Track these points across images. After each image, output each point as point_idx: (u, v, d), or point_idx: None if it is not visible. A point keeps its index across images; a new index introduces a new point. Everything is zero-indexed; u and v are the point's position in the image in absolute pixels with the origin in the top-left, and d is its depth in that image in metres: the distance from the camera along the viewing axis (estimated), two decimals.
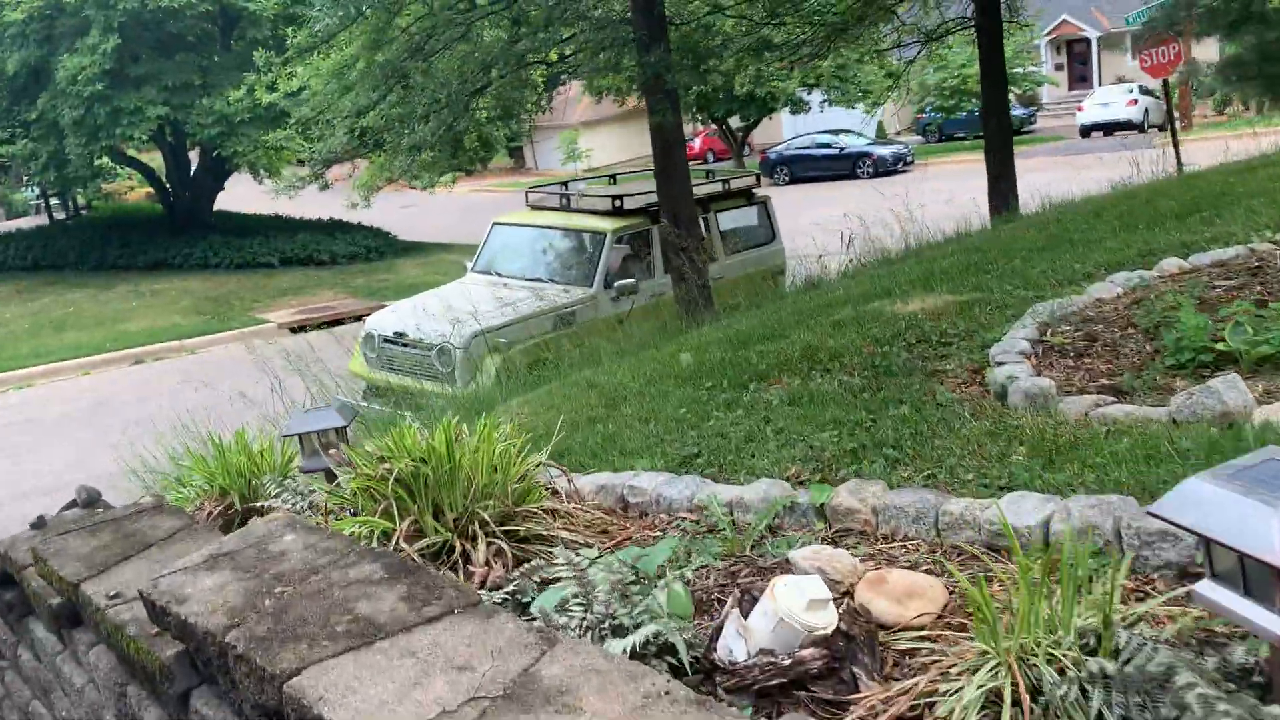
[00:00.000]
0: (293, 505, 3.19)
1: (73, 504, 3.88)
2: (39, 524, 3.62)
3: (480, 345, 8.43)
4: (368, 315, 17.98)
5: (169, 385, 13.27)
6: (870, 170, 32.07)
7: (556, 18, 8.23)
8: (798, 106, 34.33)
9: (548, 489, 3.04)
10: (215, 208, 24.66)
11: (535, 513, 2.83)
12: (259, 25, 18.73)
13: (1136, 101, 32.30)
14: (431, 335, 8.54)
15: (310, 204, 33.24)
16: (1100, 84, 43.68)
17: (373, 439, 3.97)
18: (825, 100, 34.27)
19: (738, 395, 3.88)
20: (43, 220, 26.80)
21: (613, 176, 11.37)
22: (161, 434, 8.13)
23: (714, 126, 44.60)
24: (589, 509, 3.00)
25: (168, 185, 24.18)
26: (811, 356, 4.18)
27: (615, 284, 9.21)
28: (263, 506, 3.33)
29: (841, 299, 5.20)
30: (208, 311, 17.61)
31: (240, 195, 26.02)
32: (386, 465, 2.72)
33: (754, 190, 11.06)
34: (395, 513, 2.69)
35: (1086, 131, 32.83)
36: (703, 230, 10.36)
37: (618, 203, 9.59)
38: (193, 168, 24.13)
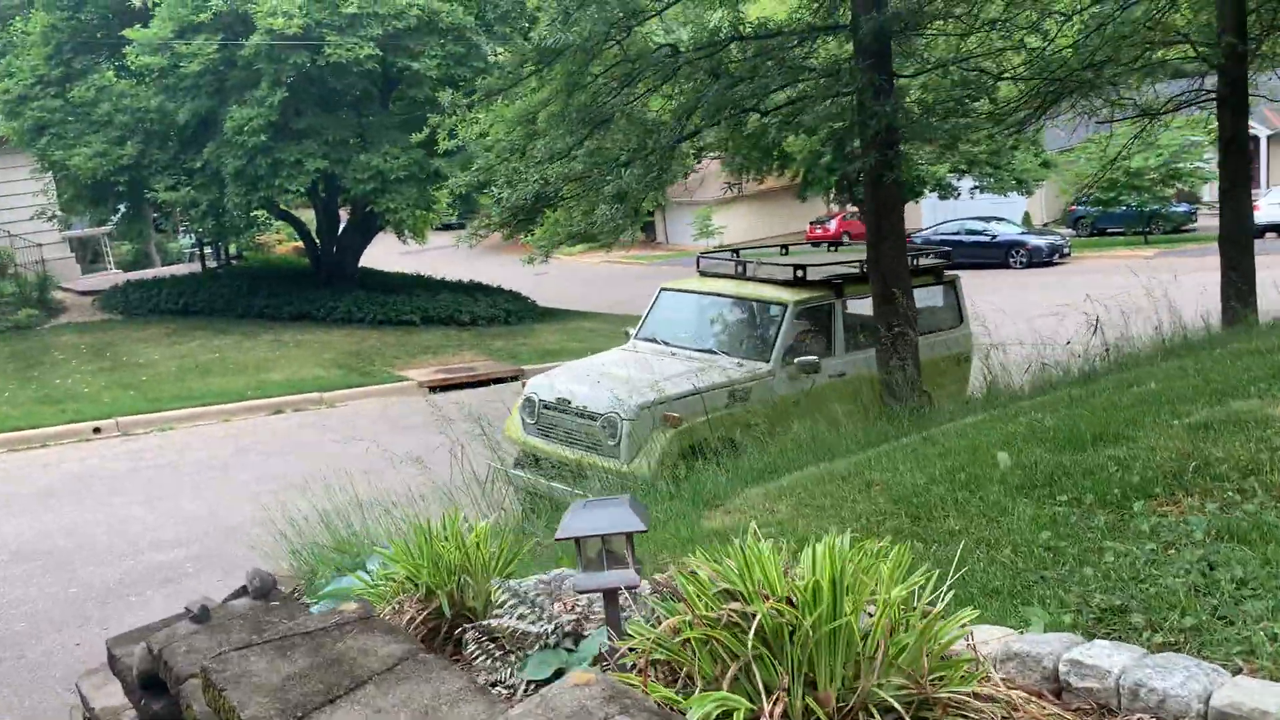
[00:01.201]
0: (532, 626, 2.42)
1: (242, 591, 3.21)
2: (202, 616, 2.96)
3: (649, 419, 7.70)
4: (509, 378, 17.70)
5: (307, 438, 12.94)
6: (1024, 260, 30.75)
7: (764, 73, 7.58)
8: (946, 191, 33.24)
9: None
10: (360, 264, 24.86)
11: (965, 700, 1.90)
12: (419, 85, 18.79)
13: None
14: (596, 404, 7.85)
15: (446, 266, 33.55)
16: (1268, 184, 41.42)
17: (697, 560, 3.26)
18: (976, 186, 33.14)
19: (1122, 518, 2.96)
20: (195, 268, 27.46)
21: (784, 247, 10.62)
22: (311, 493, 7.60)
23: (853, 209, 43.85)
24: (1017, 694, 2.06)
25: (316, 240, 24.48)
26: (1200, 470, 3.24)
27: (796, 360, 8.41)
28: (491, 624, 2.54)
29: (1165, 394, 4.22)
30: (348, 365, 17.42)
31: (377, 256, 26.23)
32: (736, 607, 1.89)
33: (943, 269, 10.17)
34: (754, 682, 1.86)
35: (1261, 232, 30.83)
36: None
37: (800, 273, 8.83)
38: (341, 225, 24.41)
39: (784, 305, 8.59)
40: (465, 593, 2.76)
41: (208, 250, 28.01)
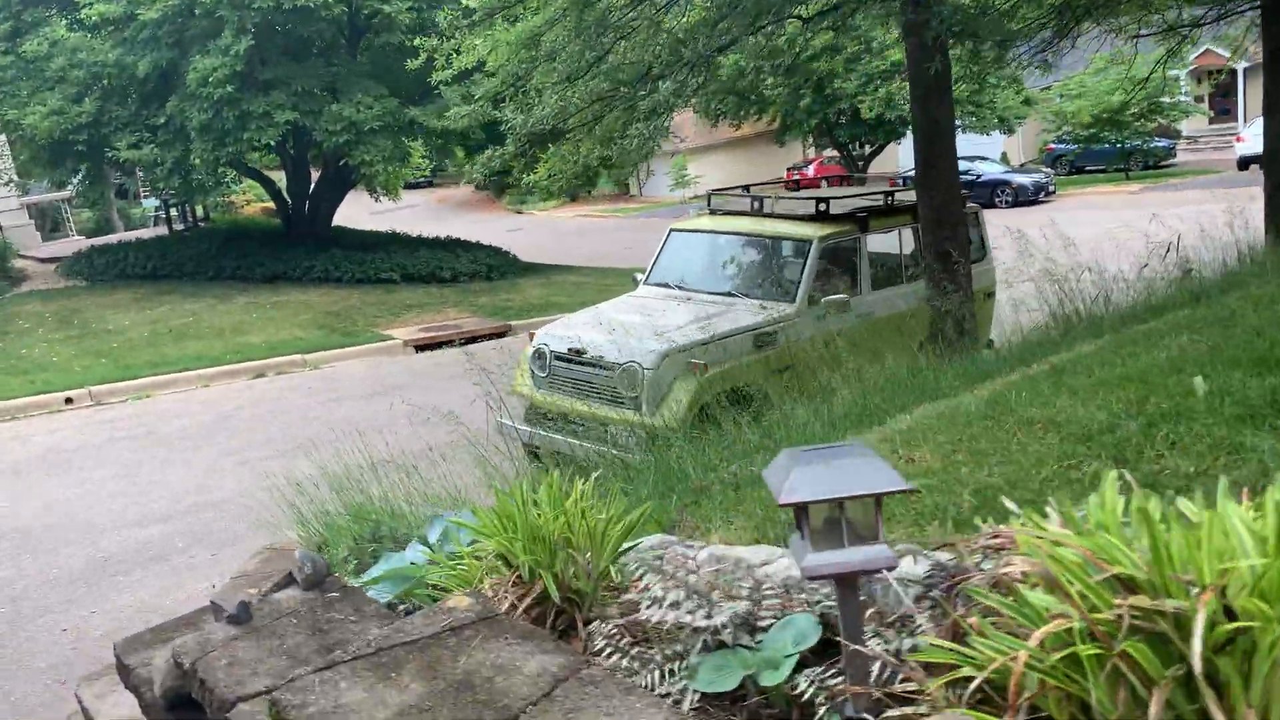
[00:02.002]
0: (700, 619, 1.87)
1: (288, 580, 2.65)
2: (241, 616, 2.38)
3: (672, 367, 7.16)
4: (497, 335, 17.10)
5: (294, 401, 12.32)
6: (1010, 199, 30.32)
7: None
8: None
9: None
10: (333, 223, 24.06)
11: None
12: (391, 31, 17.94)
13: None
14: (613, 353, 7.30)
15: (417, 224, 32.76)
16: (1244, 119, 41.13)
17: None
18: (959, 126, 32.57)
19: None
20: (161, 232, 26.52)
21: (795, 182, 10.02)
22: (307, 458, 7.03)
23: (831, 153, 43.26)
24: None
25: (287, 199, 23.63)
26: None
27: (823, 300, 7.88)
28: (640, 616, 1.96)
29: None
30: (329, 325, 16.74)
31: (348, 215, 25.37)
32: (1144, 602, 1.30)
33: (965, 199, 9.64)
34: None
35: (1245, 164, 30.51)
36: (917, 243, 8.99)
37: (823, 206, 8.28)
38: (312, 183, 23.57)
39: (808, 241, 8.04)
40: (571, 572, 2.22)
41: (174, 213, 27.05)
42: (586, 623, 2.03)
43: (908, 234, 8.92)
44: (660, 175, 47.01)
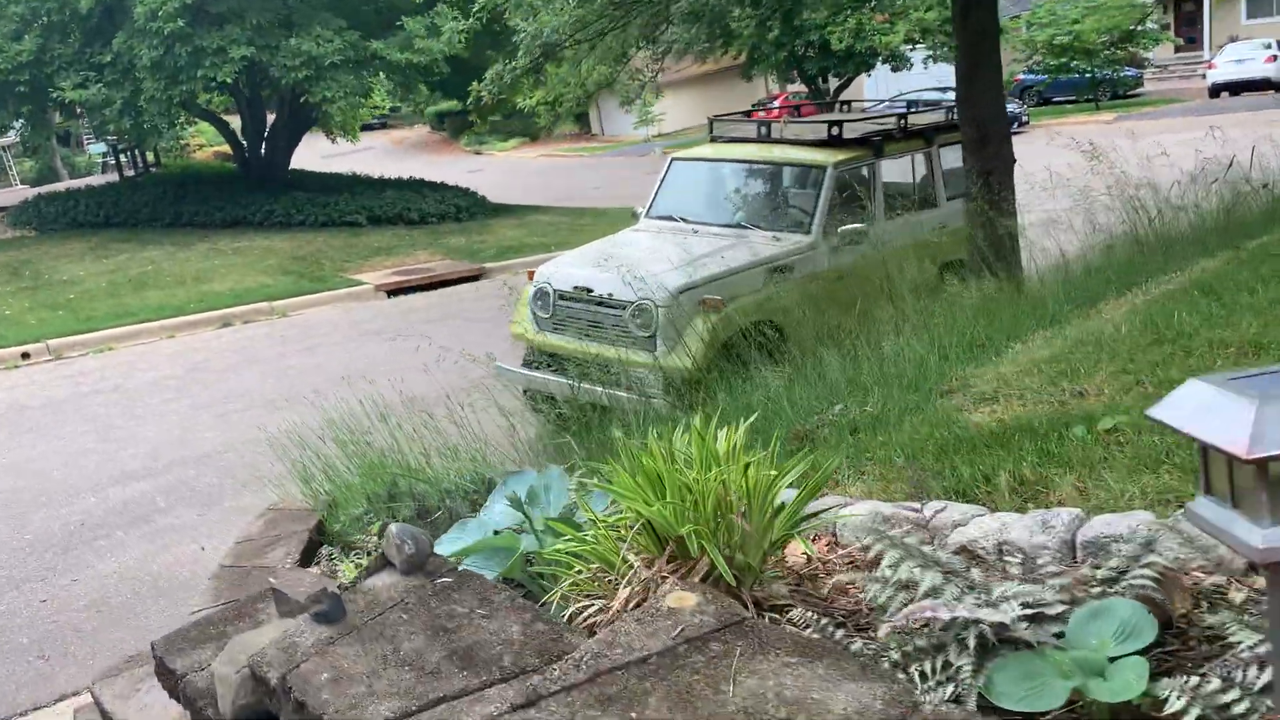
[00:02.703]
0: (995, 612, 1.43)
1: (383, 562, 2.19)
2: (333, 614, 1.92)
3: (687, 303, 6.72)
4: (471, 278, 16.53)
5: (266, 350, 11.76)
6: None
7: None
8: (899, 62, 32.09)
9: None
10: (290, 166, 23.21)
11: None
12: None
13: (1276, 59, 29.72)
14: (623, 290, 6.84)
15: (374, 167, 31.90)
16: (1209, 47, 40.98)
17: None
18: (930, 56, 32.08)
19: None
20: (111, 179, 25.47)
21: (796, 108, 9.51)
22: (288, 409, 6.56)
23: (799, 88, 42.58)
24: None
25: (243, 141, 22.72)
26: None
27: (840, 230, 7.46)
28: (906, 614, 1.48)
29: None
30: (296, 271, 16.08)
31: (302, 159, 24.46)
32: None
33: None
34: None
35: (1216, 91, 30.33)
36: (931, 168, 8.58)
37: (835, 130, 7.82)
38: (268, 125, 22.67)
39: (822, 168, 7.60)
40: (736, 543, 1.79)
41: (124, 159, 25.98)
42: (759, 605, 1.62)
43: (920, 160, 8.51)
44: (622, 113, 46.08)
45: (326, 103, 17.34)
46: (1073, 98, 36.04)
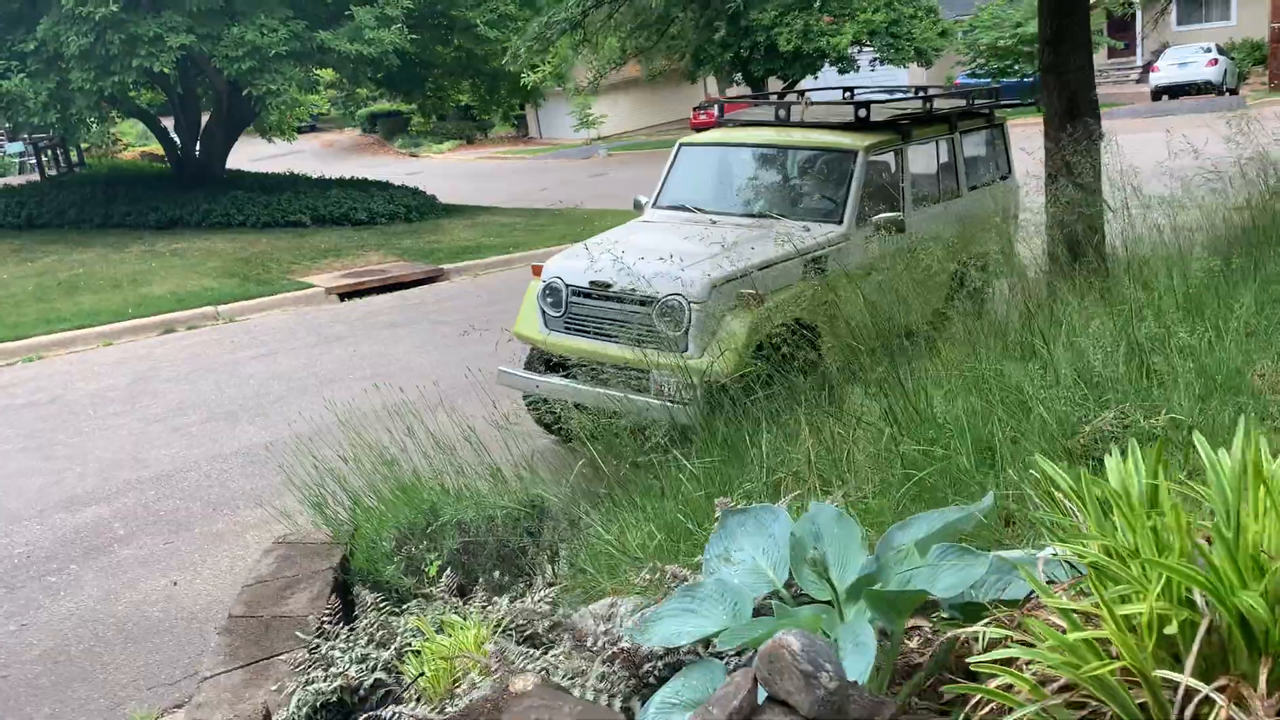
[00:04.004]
0: None
1: (752, 701, 1.47)
2: None
3: (722, 299, 6.07)
4: (428, 279, 15.68)
5: (217, 357, 10.84)
6: None
7: None
8: (846, 65, 31.87)
9: None
10: (227, 166, 22.08)
11: None
12: None
13: (1217, 62, 30.13)
14: (650, 285, 6.16)
15: (308, 169, 30.74)
16: (1141, 53, 41.65)
17: None
18: (876, 59, 31.93)
19: None
20: (32, 179, 24.02)
21: (801, 92, 8.88)
22: (251, 421, 5.79)
23: (741, 91, 42.25)
24: None
25: (175, 139, 21.54)
26: None
27: (874, 219, 6.87)
28: None
29: None
30: (240, 274, 15.07)
31: (235, 161, 23.26)
32: None
33: (994, 111, 8.75)
34: None
35: (1158, 94, 30.64)
36: (953, 156, 8.05)
37: (863, 113, 7.24)
38: (202, 123, 21.53)
39: (853, 153, 7.00)
40: None
41: (45, 157, 24.54)
42: None
43: (944, 146, 7.98)
44: (561, 116, 45.32)
45: (271, 95, 16.32)
46: (1016, 101, 36.15)
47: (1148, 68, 38.37)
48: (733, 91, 45.42)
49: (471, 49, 19.31)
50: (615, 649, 2.02)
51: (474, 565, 3.71)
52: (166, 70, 15.50)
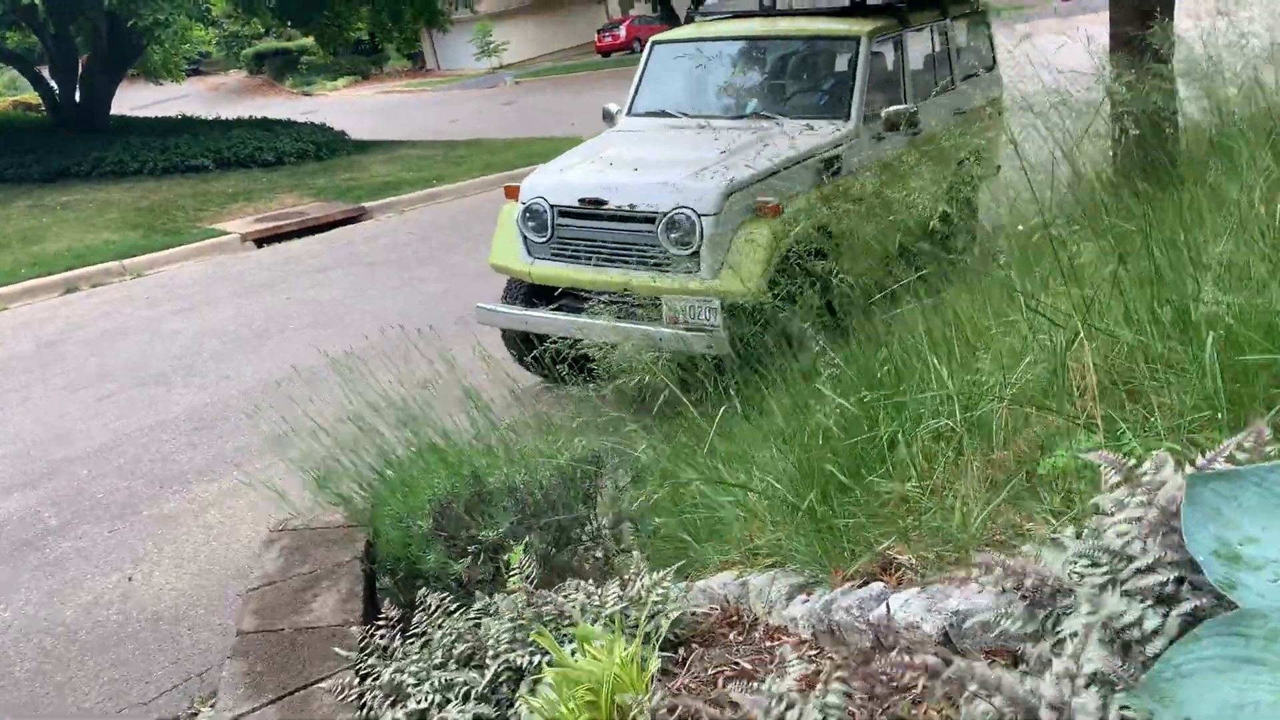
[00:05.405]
0: None
1: None
2: None
3: (736, 209, 5.37)
4: (351, 219, 14.59)
5: (134, 317, 9.79)
6: None
7: None
8: None
9: None
10: (110, 112, 20.40)
11: None
12: None
13: None
14: (651, 198, 5.42)
15: (202, 112, 28.87)
16: None
17: None
18: None
19: None
20: None
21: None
22: (188, 383, 4.96)
23: (645, 13, 40.99)
24: None
25: (52, 84, 19.78)
26: None
27: (883, 112, 6.20)
28: None
29: None
30: (144, 225, 13.81)
31: (116, 108, 21.53)
32: None
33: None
34: None
35: None
36: (947, 44, 7.40)
37: None
38: (80, 67, 19.80)
39: (855, 39, 6.29)
40: None
41: None
42: None
43: (937, 34, 7.32)
44: (461, 45, 43.48)
45: (159, 26, 14.88)
46: None
47: None
48: (635, 11, 44.15)
49: None
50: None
51: (533, 542, 3.00)
52: (38, 1, 13.97)
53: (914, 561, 2.02)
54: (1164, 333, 2.13)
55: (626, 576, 2.41)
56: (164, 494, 5.72)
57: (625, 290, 5.47)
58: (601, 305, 5.28)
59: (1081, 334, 2.06)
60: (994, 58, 8.24)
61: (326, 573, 2.96)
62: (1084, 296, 2.16)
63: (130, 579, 4.87)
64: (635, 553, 2.71)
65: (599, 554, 3.16)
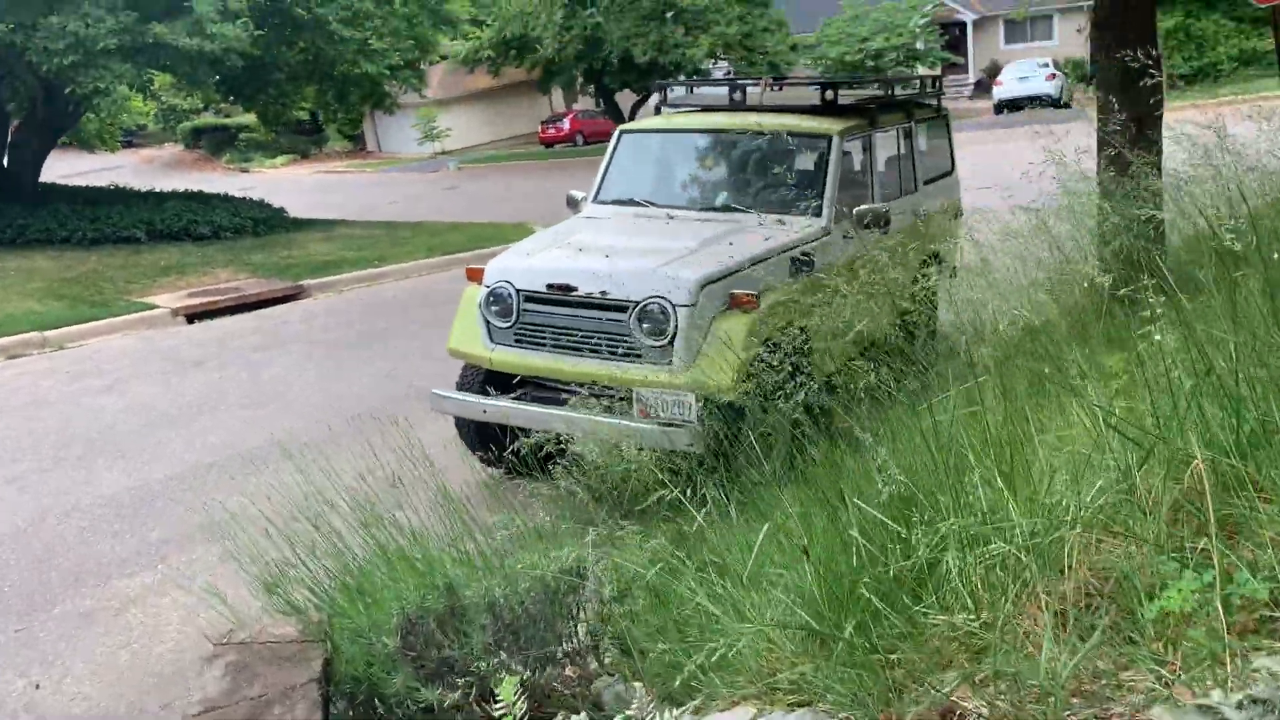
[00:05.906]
0: None
1: None
2: None
3: (712, 301, 5.19)
4: (288, 297, 14.17)
5: (52, 390, 9.27)
6: None
7: None
8: (702, 76, 31.55)
9: None
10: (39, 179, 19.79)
11: None
12: None
13: (1055, 76, 31.33)
14: (624, 286, 5.22)
15: (135, 185, 28.36)
16: (973, 69, 43.23)
17: None
18: (729, 71, 31.76)
19: None
20: None
21: (779, 79, 7.94)
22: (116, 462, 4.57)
23: (588, 106, 41.60)
24: None
25: None
26: None
27: (856, 210, 6.11)
28: None
29: None
30: (70, 295, 13.26)
31: (46, 176, 20.94)
32: None
33: (940, 102, 8.18)
34: None
35: (1001, 108, 31.56)
36: (911, 147, 7.41)
37: (830, 95, 6.49)
38: (10, 131, 19.22)
39: (826, 138, 6.23)
40: None
41: None
42: None
43: (901, 137, 7.32)
44: (403, 129, 43.50)
45: (99, 95, 14.50)
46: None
47: (979, 84, 39.76)
48: (579, 106, 44.77)
49: (322, 48, 17.80)
50: None
51: (511, 662, 2.68)
52: None
53: (985, 711, 1.77)
54: (1243, 450, 1.95)
55: (630, 713, 2.11)
56: (79, 589, 5.24)
57: (592, 381, 5.22)
58: (569, 396, 5.04)
59: (1157, 451, 1.87)
60: (953, 161, 8.30)
61: (278, 697, 2.59)
62: (1156, 407, 1.97)
63: (38, 686, 4.39)
64: (638, 685, 2.41)
65: (583, 675, 2.85)
